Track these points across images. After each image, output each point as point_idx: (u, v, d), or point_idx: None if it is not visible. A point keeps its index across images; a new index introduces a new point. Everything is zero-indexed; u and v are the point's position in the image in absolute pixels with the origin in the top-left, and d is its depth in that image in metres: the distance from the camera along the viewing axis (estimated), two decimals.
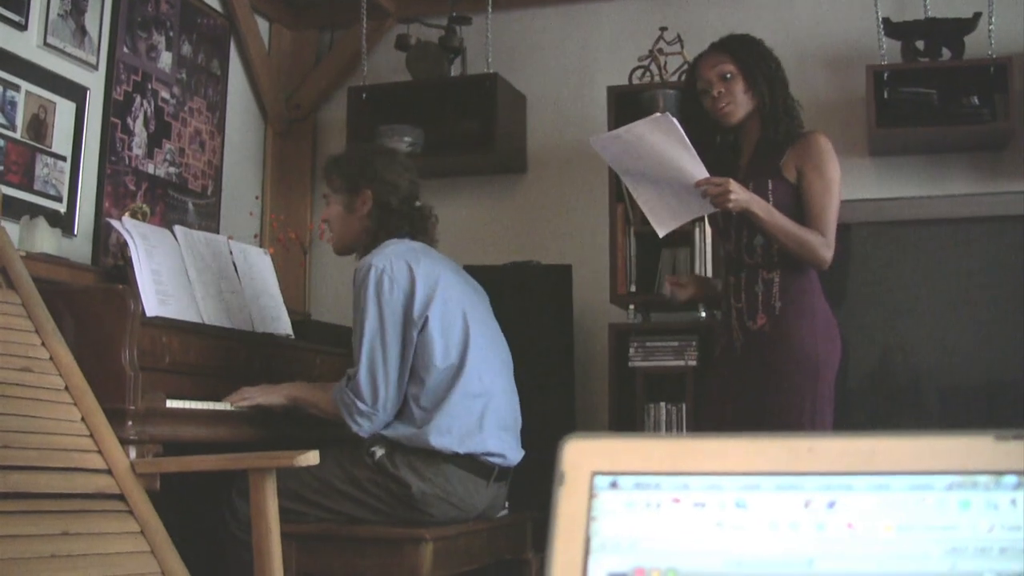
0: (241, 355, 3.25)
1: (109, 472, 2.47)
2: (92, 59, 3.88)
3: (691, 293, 3.28)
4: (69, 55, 3.77)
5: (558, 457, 0.70)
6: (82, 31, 3.83)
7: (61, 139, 3.73)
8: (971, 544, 0.64)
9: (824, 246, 2.91)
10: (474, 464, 3.00)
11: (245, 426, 3.09)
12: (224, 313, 3.31)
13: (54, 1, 3.68)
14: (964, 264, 4.03)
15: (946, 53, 4.15)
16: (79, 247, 3.80)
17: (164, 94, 4.29)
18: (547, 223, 4.79)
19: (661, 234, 3.07)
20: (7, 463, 2.28)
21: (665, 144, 2.85)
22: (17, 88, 3.55)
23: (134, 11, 4.11)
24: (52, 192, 3.68)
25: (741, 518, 0.67)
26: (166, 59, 4.30)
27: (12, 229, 3.27)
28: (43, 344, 2.57)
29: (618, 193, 4.31)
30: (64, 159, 3.75)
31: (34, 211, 3.50)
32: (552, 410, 3.98)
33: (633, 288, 4.29)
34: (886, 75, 4.12)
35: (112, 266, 3.66)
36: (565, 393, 4.20)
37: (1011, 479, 0.64)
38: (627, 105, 4.26)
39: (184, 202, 4.40)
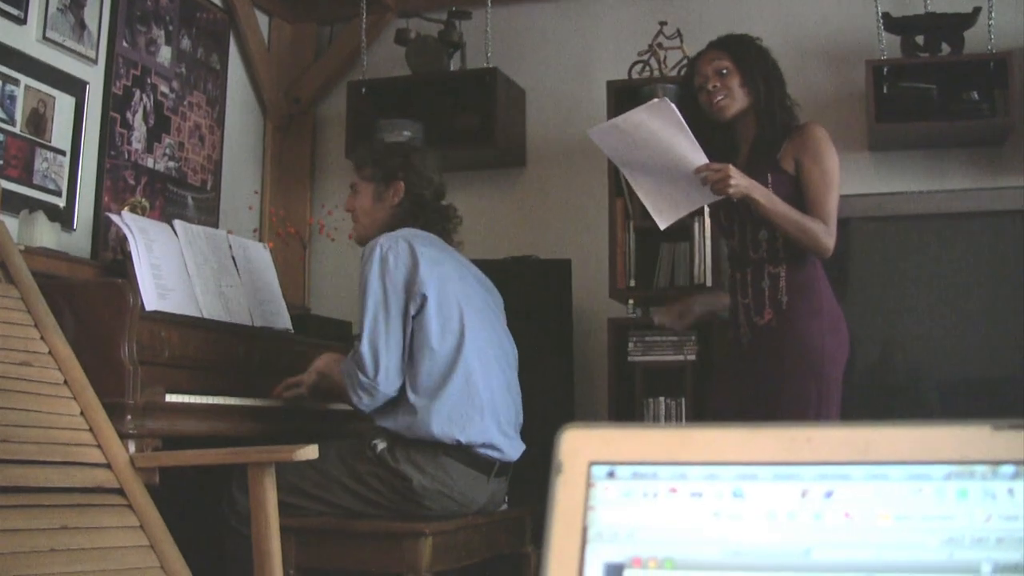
0: (240, 349, 3.25)
1: (108, 466, 2.47)
2: (91, 53, 3.88)
3: (691, 320, 3.28)
4: (68, 49, 3.77)
5: (555, 447, 0.70)
6: (81, 25, 3.83)
7: (60, 133, 3.73)
8: (968, 534, 0.64)
9: (826, 234, 2.91)
10: (475, 459, 3.00)
11: (244, 420, 3.09)
12: (223, 307, 3.31)
13: None
14: (963, 259, 4.03)
15: (946, 48, 4.15)
16: (78, 241, 3.80)
17: (163, 88, 4.29)
18: (546, 217, 4.79)
19: (662, 226, 3.06)
20: (6, 457, 2.28)
21: (664, 131, 2.84)
22: (16, 82, 3.54)
23: (133, 5, 4.10)
24: (51, 186, 3.68)
25: (738, 508, 0.67)
26: (165, 53, 4.30)
27: (11, 223, 3.27)
28: (42, 338, 2.57)
29: (617, 188, 4.31)
30: (63, 153, 3.74)
31: (33, 205, 3.50)
32: (551, 405, 3.98)
33: (632, 283, 4.29)
34: (886, 70, 4.12)
35: (111, 260, 3.65)
36: (564, 388, 4.21)
37: (1008, 469, 0.64)
38: (626, 99, 4.26)
39: (183, 196, 4.40)
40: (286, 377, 3.24)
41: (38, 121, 3.63)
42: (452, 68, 4.82)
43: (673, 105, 2.82)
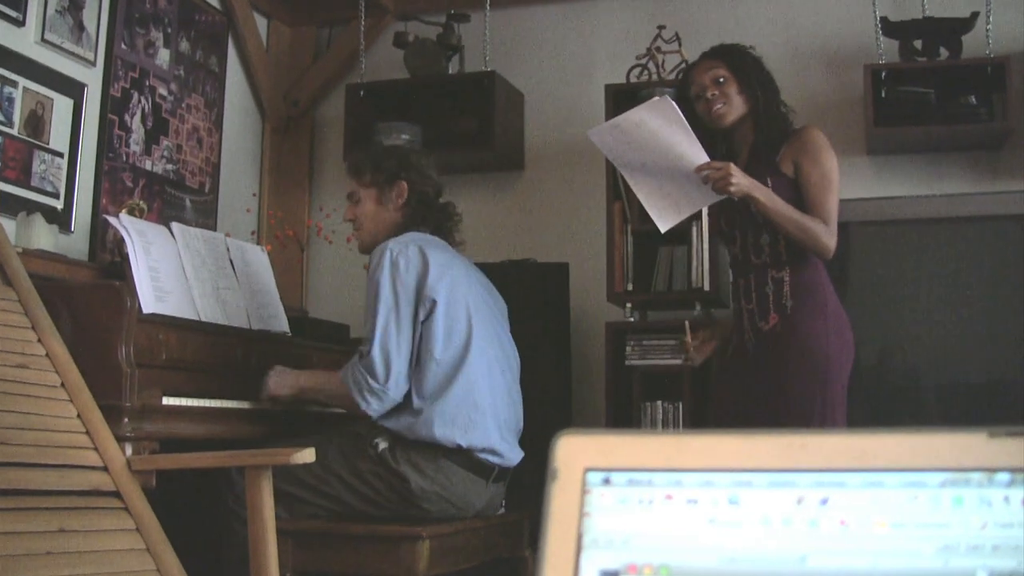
0: (238, 352, 3.25)
1: (105, 469, 2.47)
2: (90, 55, 3.88)
3: (710, 350, 3.25)
4: (67, 51, 3.76)
5: (551, 453, 0.69)
6: (80, 27, 3.83)
7: (58, 135, 3.73)
8: (964, 541, 0.64)
9: (827, 233, 2.90)
10: (474, 463, 3.00)
11: (242, 423, 3.09)
12: (221, 310, 3.31)
13: None
14: (962, 263, 4.03)
15: (944, 52, 4.15)
16: (76, 243, 3.79)
17: (162, 91, 4.29)
18: (544, 221, 4.79)
19: (663, 229, 3.04)
20: (3, 460, 2.28)
21: (665, 129, 2.83)
22: (15, 84, 3.54)
23: (132, 7, 4.10)
24: (49, 188, 3.68)
25: (734, 514, 0.67)
26: (164, 56, 4.30)
27: (9, 225, 3.27)
28: (39, 341, 2.57)
29: (616, 191, 4.32)
30: (61, 155, 3.74)
31: (31, 207, 3.50)
32: (549, 409, 3.98)
33: (630, 286, 4.29)
34: (884, 74, 4.12)
35: (109, 263, 3.64)
36: (562, 392, 4.20)
37: (1004, 476, 0.64)
38: (625, 103, 4.25)
39: (181, 199, 4.40)
40: None
41: (36, 123, 3.63)
42: (450, 71, 4.82)
43: (674, 103, 2.82)
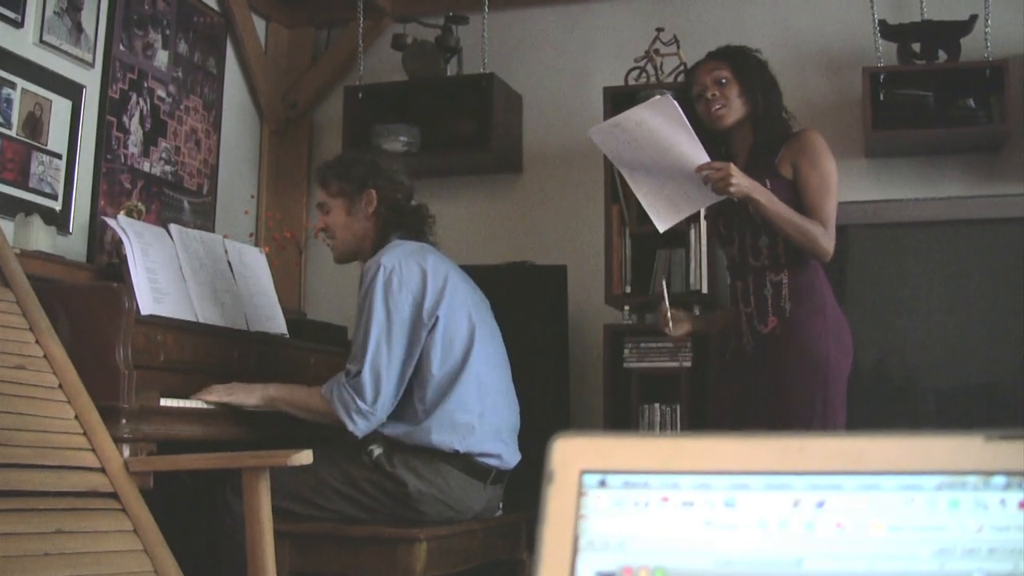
0: (236, 354, 3.25)
1: (103, 470, 2.47)
2: (88, 57, 3.88)
3: (686, 329, 3.22)
4: (65, 53, 3.76)
5: (547, 455, 0.69)
6: (78, 29, 3.83)
7: (57, 137, 3.73)
8: (960, 544, 0.64)
9: (825, 236, 2.91)
10: (471, 465, 3.00)
11: (240, 425, 3.08)
12: (219, 312, 3.31)
13: None
14: (960, 266, 4.03)
15: (942, 55, 4.16)
16: (74, 245, 3.79)
17: (160, 92, 4.29)
18: (542, 223, 4.78)
19: (662, 229, 3.04)
20: (0, 461, 2.27)
21: (665, 128, 2.82)
22: (13, 85, 3.54)
23: (130, 9, 4.10)
24: (47, 190, 3.68)
25: (730, 517, 0.67)
26: (162, 57, 4.30)
27: (7, 227, 3.27)
28: (37, 342, 2.57)
29: (614, 194, 4.32)
30: (60, 157, 3.74)
31: (29, 209, 3.49)
32: (546, 411, 3.98)
33: (628, 289, 4.29)
34: (882, 77, 4.12)
35: (107, 264, 3.65)
36: (560, 394, 4.20)
37: (1000, 479, 0.64)
38: (623, 105, 4.22)
39: (180, 200, 4.40)
40: (280, 380, 3.21)
41: (34, 124, 3.63)
42: (449, 73, 4.82)
43: (675, 102, 2.81)
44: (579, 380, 4.47)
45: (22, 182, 3.57)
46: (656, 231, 3.07)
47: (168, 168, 4.32)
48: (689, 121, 2.85)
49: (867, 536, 0.65)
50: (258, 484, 2.43)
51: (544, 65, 4.89)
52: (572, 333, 4.37)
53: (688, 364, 4.12)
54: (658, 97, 2.85)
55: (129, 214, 3.60)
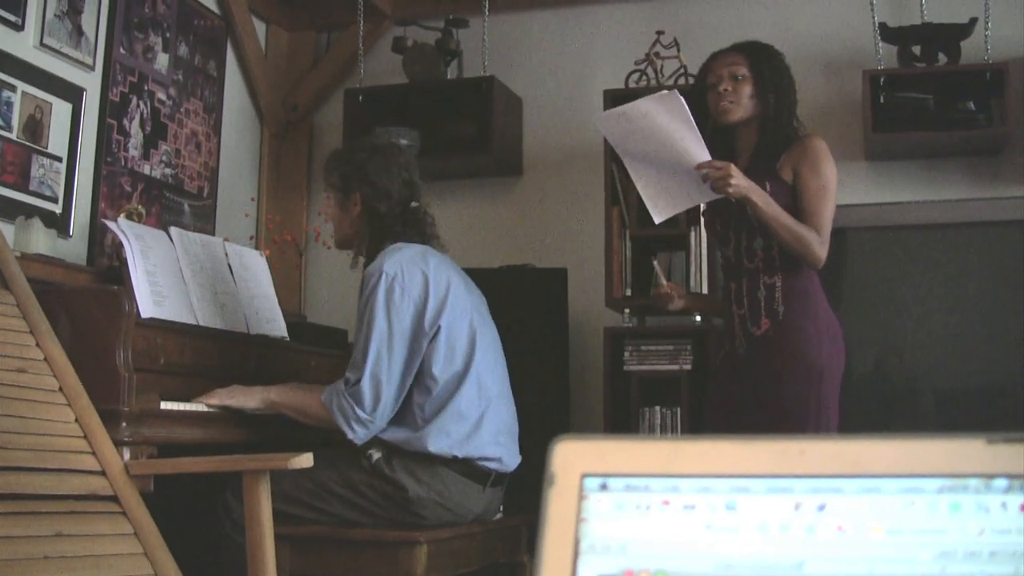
0: (236, 357, 3.25)
1: (103, 473, 2.46)
2: (88, 60, 3.88)
3: (684, 304, 3.26)
4: (65, 56, 3.76)
5: (548, 458, 0.69)
6: (79, 32, 3.83)
7: (57, 140, 3.73)
8: (961, 548, 0.64)
9: (819, 243, 2.91)
10: (470, 469, 2.99)
11: (240, 428, 3.08)
12: (219, 315, 3.31)
13: (51, 1, 3.68)
14: (960, 269, 4.03)
15: (942, 58, 4.16)
16: (74, 248, 3.79)
17: (160, 95, 4.29)
18: (543, 226, 4.79)
19: (657, 220, 3.05)
20: (0, 464, 2.27)
21: (670, 123, 2.83)
22: (13, 88, 3.54)
23: (131, 12, 4.10)
24: (48, 193, 3.68)
25: (731, 520, 0.67)
26: (163, 60, 4.30)
27: (7, 229, 3.27)
28: (38, 345, 2.57)
29: (614, 196, 4.32)
30: (60, 160, 3.74)
31: (29, 212, 3.49)
32: (547, 414, 3.98)
33: (628, 292, 4.29)
34: (882, 80, 4.12)
35: (107, 267, 3.65)
36: (560, 397, 4.20)
37: (1002, 482, 0.64)
38: None
39: (180, 203, 4.40)
40: (280, 383, 3.21)
41: (35, 127, 3.63)
42: (449, 76, 4.82)
43: (681, 98, 2.82)
44: (579, 383, 4.47)
45: (22, 185, 3.57)
46: (656, 231, 3.08)
47: (168, 171, 4.32)
48: (694, 116, 2.85)
49: (868, 539, 0.65)
50: (258, 487, 2.43)
51: (544, 68, 4.89)
52: (572, 336, 4.37)
53: (688, 367, 4.12)
54: (665, 92, 2.86)
55: (129, 217, 3.60)
